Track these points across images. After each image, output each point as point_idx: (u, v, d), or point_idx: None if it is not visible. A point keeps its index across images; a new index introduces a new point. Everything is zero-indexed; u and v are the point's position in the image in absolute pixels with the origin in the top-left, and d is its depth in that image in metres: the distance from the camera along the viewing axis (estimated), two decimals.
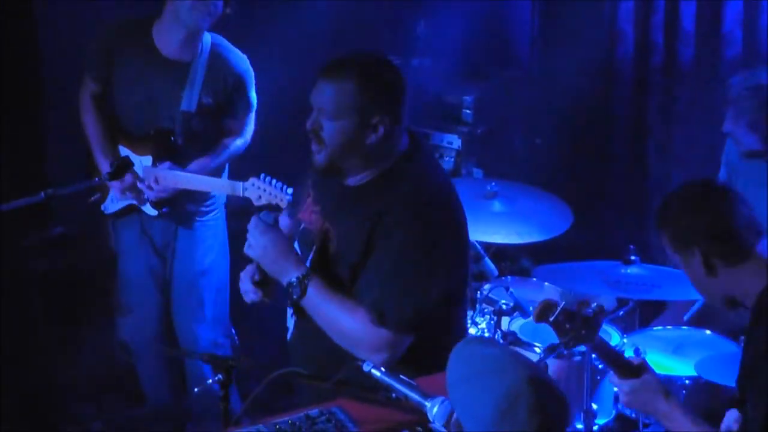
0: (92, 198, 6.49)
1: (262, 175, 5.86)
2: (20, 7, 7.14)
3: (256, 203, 5.90)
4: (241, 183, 5.94)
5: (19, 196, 5.43)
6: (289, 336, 5.22)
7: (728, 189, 4.66)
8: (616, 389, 4.71)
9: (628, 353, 6.11)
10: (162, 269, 6.72)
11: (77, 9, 7.21)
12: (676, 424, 4.50)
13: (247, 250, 4.90)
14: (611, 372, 4.65)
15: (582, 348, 4.75)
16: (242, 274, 5.00)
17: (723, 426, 4.62)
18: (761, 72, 6.32)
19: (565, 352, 5.87)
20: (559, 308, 4.50)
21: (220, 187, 6.33)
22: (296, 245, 5.13)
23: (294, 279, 4.83)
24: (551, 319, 4.50)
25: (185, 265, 6.68)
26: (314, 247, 4.99)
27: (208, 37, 6.47)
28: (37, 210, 5.57)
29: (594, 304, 4.52)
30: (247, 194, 5.93)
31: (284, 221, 5.15)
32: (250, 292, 4.96)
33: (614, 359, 4.65)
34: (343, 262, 4.87)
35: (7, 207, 5.37)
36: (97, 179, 6.26)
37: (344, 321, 4.82)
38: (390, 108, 4.80)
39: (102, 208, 6.57)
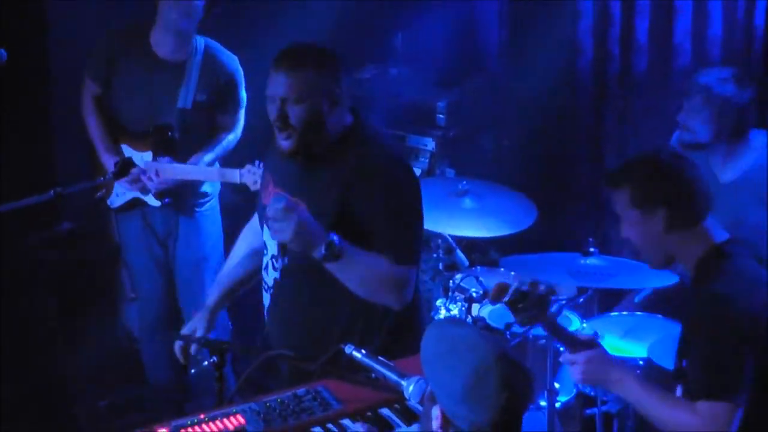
0: (98, 194, 6.50)
1: (257, 162, 5.91)
2: (30, 11, 7.10)
3: (252, 188, 5.95)
4: (237, 170, 5.97)
5: (29, 195, 5.43)
6: (266, 313, 5.29)
7: (688, 161, 4.73)
8: (570, 364, 4.68)
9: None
10: (165, 257, 6.74)
11: (86, 11, 7.15)
12: (627, 389, 4.55)
13: (276, 236, 4.88)
14: (564, 349, 4.69)
15: (539, 327, 4.75)
16: (277, 206, 4.89)
17: None
18: (725, 71, 6.36)
19: (521, 330, 5.93)
20: (511, 289, 4.53)
21: (217, 175, 6.35)
22: (260, 219, 5.22)
23: (327, 245, 4.82)
24: (505, 299, 4.53)
25: (187, 252, 6.71)
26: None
27: (201, 40, 6.50)
28: (46, 207, 5.57)
29: (543, 285, 4.54)
30: (244, 180, 5.98)
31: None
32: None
33: (566, 335, 4.71)
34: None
35: (18, 204, 5.38)
36: (102, 178, 6.29)
37: (373, 267, 4.89)
38: (338, 84, 4.92)
39: (108, 202, 6.59)
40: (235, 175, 6.09)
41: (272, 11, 7.60)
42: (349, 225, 4.90)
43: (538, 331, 5.96)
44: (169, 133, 6.44)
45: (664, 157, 4.69)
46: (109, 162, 6.42)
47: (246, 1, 7.47)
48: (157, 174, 6.36)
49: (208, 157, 6.51)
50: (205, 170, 6.37)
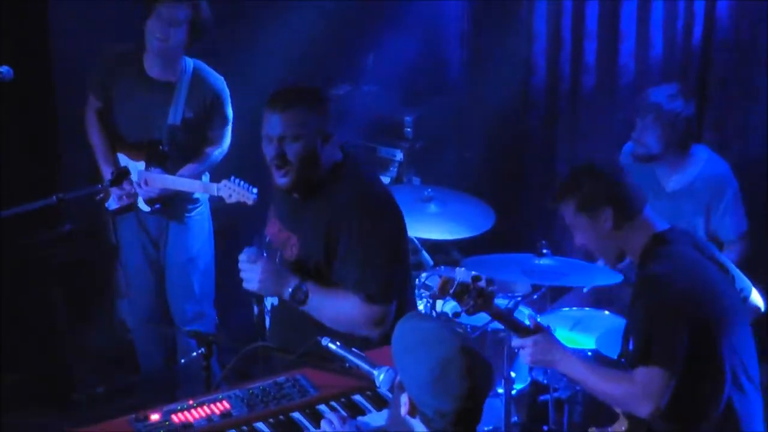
0: (98, 197, 6.50)
1: (232, 177, 5.94)
2: (34, 26, 7.05)
3: (227, 201, 5.95)
4: (215, 184, 5.97)
5: (35, 199, 5.43)
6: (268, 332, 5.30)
7: (617, 163, 4.82)
8: (518, 350, 4.79)
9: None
10: (156, 256, 6.73)
11: (88, 27, 7.11)
12: (572, 367, 4.62)
13: (247, 286, 4.93)
14: (513, 335, 4.77)
15: (487, 316, 4.79)
16: (242, 258, 4.98)
17: None
18: (671, 88, 6.40)
19: (481, 324, 5.95)
20: (455, 282, 4.60)
21: (198, 187, 6.34)
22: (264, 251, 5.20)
23: (293, 291, 4.86)
24: (451, 291, 4.60)
25: (176, 253, 6.68)
26: (279, 254, 5.05)
27: (190, 62, 6.50)
28: (49, 210, 5.57)
29: (485, 277, 4.60)
30: (220, 193, 5.99)
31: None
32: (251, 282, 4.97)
33: (513, 323, 4.78)
34: (310, 261, 4.92)
35: (25, 208, 5.38)
36: (99, 185, 6.30)
37: (342, 309, 4.87)
38: (328, 121, 4.88)
39: (106, 205, 6.58)
40: (212, 189, 6.09)
41: (254, 34, 7.57)
42: (333, 259, 4.90)
43: (496, 325, 6.00)
44: (160, 147, 6.43)
45: (594, 164, 4.83)
46: (106, 171, 6.46)
47: (229, 23, 7.43)
48: (146, 183, 6.37)
49: (196, 169, 6.50)
50: (188, 182, 6.36)
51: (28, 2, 7.07)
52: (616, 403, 4.65)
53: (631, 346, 4.57)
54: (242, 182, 5.91)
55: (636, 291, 4.63)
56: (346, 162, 4.98)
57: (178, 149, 6.51)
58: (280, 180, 4.87)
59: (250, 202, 5.84)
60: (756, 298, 5.03)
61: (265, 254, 5.04)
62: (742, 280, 4.88)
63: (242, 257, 4.95)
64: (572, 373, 4.65)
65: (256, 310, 5.27)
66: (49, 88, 7.10)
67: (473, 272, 4.64)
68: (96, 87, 6.59)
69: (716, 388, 4.52)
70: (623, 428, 4.80)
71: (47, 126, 7.20)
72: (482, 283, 4.62)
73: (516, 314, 5.08)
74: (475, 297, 4.62)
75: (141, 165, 6.45)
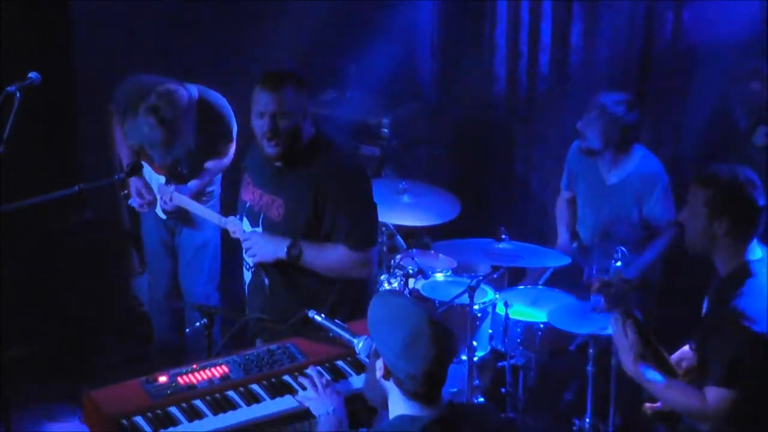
0: (123, 193, 6.48)
1: (239, 216, 5.89)
2: (59, 37, 7.01)
3: (232, 235, 5.91)
4: (224, 218, 5.92)
5: (60, 189, 5.43)
6: (247, 287, 5.37)
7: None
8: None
9: (500, 306, 6.19)
10: (172, 242, 6.71)
11: (108, 38, 7.08)
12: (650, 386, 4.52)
13: (254, 260, 5.11)
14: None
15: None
16: (246, 236, 5.16)
17: (675, 356, 4.71)
18: (620, 96, 6.40)
19: (434, 297, 5.93)
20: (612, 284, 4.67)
21: (210, 216, 6.21)
22: (245, 219, 5.23)
23: (287, 250, 4.99)
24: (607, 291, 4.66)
25: (188, 240, 6.66)
26: (262, 215, 5.15)
27: (194, 91, 6.36)
28: (73, 198, 5.57)
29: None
30: (226, 226, 5.94)
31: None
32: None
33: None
34: (297, 219, 5.01)
35: (51, 196, 5.36)
36: (116, 177, 6.26)
37: (332, 258, 4.98)
38: (307, 100, 5.03)
39: (129, 202, 6.56)
40: (222, 221, 6.01)
41: (246, 46, 7.55)
42: (321, 218, 5.00)
43: (461, 300, 6.01)
44: (179, 168, 6.42)
45: (754, 180, 4.48)
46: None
47: (222, 33, 7.42)
48: (171, 199, 6.33)
49: (197, 186, 6.46)
50: (204, 209, 6.23)
51: (51, 10, 7.01)
52: (681, 411, 4.50)
53: (707, 354, 4.43)
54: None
55: (721, 317, 4.39)
56: (320, 135, 5.09)
57: (193, 168, 6.48)
58: (270, 150, 4.98)
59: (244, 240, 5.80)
60: None
61: (246, 222, 5.22)
62: None
63: (244, 239, 5.15)
64: (632, 375, 4.53)
65: (248, 280, 5.32)
66: (71, 94, 7.06)
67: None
68: (119, 114, 6.46)
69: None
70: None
71: (69, 126, 7.17)
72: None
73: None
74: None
75: (161, 179, 6.44)
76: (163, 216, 6.54)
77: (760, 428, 4.45)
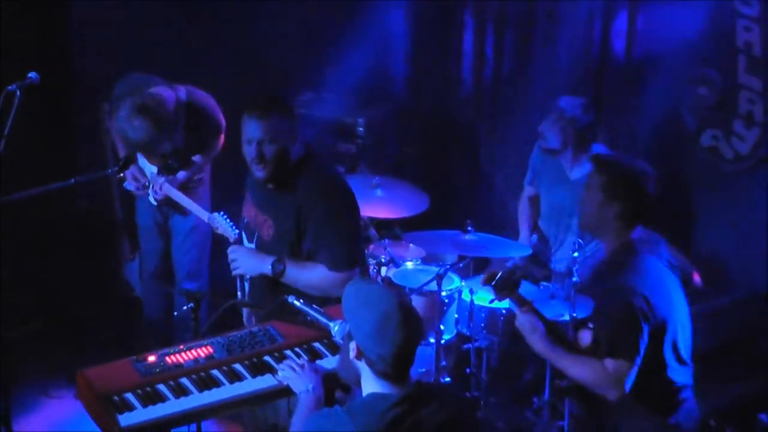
0: (119, 176, 6.45)
1: (222, 212, 5.89)
2: (58, 37, 6.97)
3: (214, 230, 5.93)
4: (208, 213, 5.91)
5: (57, 180, 5.42)
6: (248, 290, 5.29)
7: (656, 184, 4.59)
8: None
9: (465, 293, 6.21)
10: (164, 224, 6.70)
11: (104, 38, 7.05)
12: (537, 344, 4.58)
13: (236, 272, 5.05)
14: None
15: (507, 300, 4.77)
16: (229, 253, 5.10)
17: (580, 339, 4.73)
18: (578, 100, 6.43)
19: (403, 284, 5.95)
20: (498, 276, 4.60)
21: (196, 210, 6.24)
22: (244, 234, 5.21)
23: (272, 266, 4.92)
24: (492, 283, 4.60)
25: (180, 223, 6.64)
26: (256, 234, 5.09)
27: (183, 92, 6.37)
28: (68, 190, 5.55)
29: (519, 272, 4.65)
30: (210, 222, 5.94)
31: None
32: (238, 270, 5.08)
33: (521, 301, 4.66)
34: (283, 239, 4.95)
35: (49, 188, 5.35)
36: (109, 170, 6.24)
37: (313, 277, 4.90)
38: (295, 124, 4.93)
39: (124, 185, 6.54)
40: (205, 216, 6.05)
41: (231, 49, 7.54)
42: (304, 239, 4.94)
43: (430, 287, 6.04)
44: (169, 161, 6.38)
45: (648, 173, 4.55)
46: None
47: (208, 37, 7.41)
48: (160, 188, 6.34)
49: (185, 176, 6.46)
50: (191, 203, 6.26)
51: (51, 11, 6.96)
52: (586, 384, 4.49)
53: (593, 326, 4.51)
54: (228, 219, 5.87)
55: (607, 293, 4.49)
56: (309, 157, 5.00)
57: (183, 161, 6.47)
58: (258, 174, 4.91)
59: (231, 238, 5.73)
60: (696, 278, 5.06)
61: (244, 237, 5.13)
62: (687, 264, 4.83)
63: (230, 252, 5.06)
64: (541, 352, 4.59)
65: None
66: (70, 93, 7.03)
67: (510, 267, 4.63)
68: (112, 109, 6.45)
69: (659, 368, 4.50)
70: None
71: (67, 123, 7.14)
72: (516, 277, 4.62)
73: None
74: (509, 287, 4.63)
75: (154, 168, 6.43)
76: (154, 203, 6.54)
77: (655, 394, 4.53)
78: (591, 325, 4.71)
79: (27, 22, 6.75)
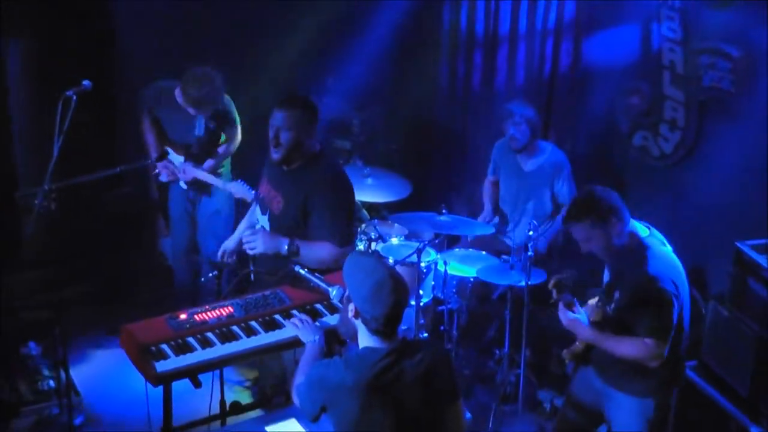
0: (155, 172, 6.43)
1: (240, 180, 5.89)
2: (105, 52, 6.89)
3: (234, 195, 5.91)
4: (229, 183, 5.92)
5: (104, 169, 5.41)
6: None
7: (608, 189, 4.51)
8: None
9: (440, 264, 6.18)
10: (192, 209, 6.66)
11: (144, 50, 6.99)
12: (587, 334, 4.47)
13: (253, 252, 4.90)
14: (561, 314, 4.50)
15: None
16: (245, 234, 4.99)
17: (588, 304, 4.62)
18: (527, 105, 6.47)
19: (392, 256, 5.92)
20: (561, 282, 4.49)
21: (215, 181, 6.27)
22: (258, 207, 5.17)
23: (287, 247, 4.84)
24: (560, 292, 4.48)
25: (205, 208, 6.60)
26: (268, 209, 5.03)
27: None
28: (115, 177, 5.54)
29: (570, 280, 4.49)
30: (231, 190, 5.94)
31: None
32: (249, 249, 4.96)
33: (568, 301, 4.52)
34: (290, 216, 4.91)
35: (99, 175, 5.35)
36: (149, 161, 6.24)
37: (321, 253, 4.84)
38: (313, 123, 4.88)
39: (159, 178, 6.53)
40: (227, 186, 6.12)
41: (250, 60, 7.48)
42: (307, 217, 4.90)
43: (413, 258, 6.01)
44: (192, 149, 6.39)
45: (594, 191, 4.45)
46: (154, 154, 6.41)
47: (229, 50, 7.33)
48: (184, 172, 6.34)
49: (211, 164, 6.43)
50: (212, 178, 6.33)
51: (98, 24, 6.89)
52: (631, 359, 4.37)
53: (633, 316, 4.36)
54: (245, 185, 5.93)
55: (637, 283, 4.34)
56: (321, 154, 4.99)
57: (204, 149, 6.45)
58: (274, 155, 4.90)
59: (249, 199, 5.80)
60: None
61: (258, 208, 5.05)
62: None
63: (245, 234, 4.96)
64: (591, 340, 4.48)
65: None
66: (112, 97, 6.96)
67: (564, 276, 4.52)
68: (147, 109, 6.49)
69: (680, 341, 4.45)
70: (581, 347, 4.69)
71: (111, 121, 7.09)
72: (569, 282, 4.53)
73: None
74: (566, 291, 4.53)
75: (181, 158, 6.40)
76: (184, 186, 6.49)
77: (682, 364, 4.53)
78: (596, 302, 4.59)
79: (79, 35, 6.68)
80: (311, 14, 7.53)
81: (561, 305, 4.46)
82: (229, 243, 5.47)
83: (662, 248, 4.44)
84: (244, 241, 4.98)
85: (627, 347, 4.35)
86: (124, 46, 7.03)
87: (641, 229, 4.47)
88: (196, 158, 6.42)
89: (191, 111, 6.24)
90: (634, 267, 4.35)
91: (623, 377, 4.49)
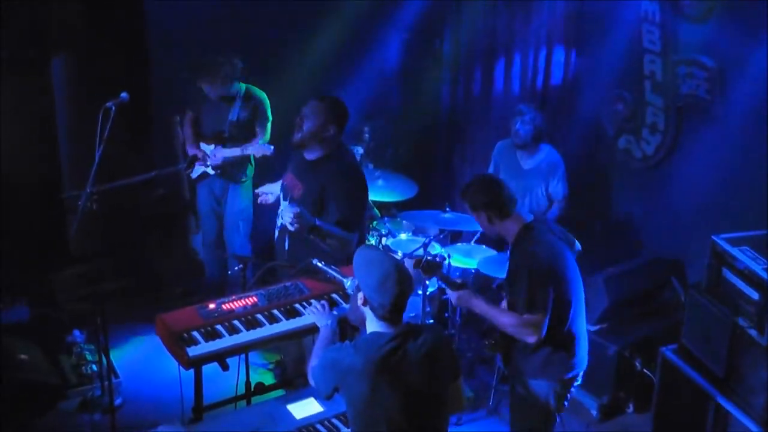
0: (185, 168, 6.43)
1: (267, 144, 6.12)
2: (140, 63, 6.86)
3: (256, 156, 6.26)
4: (249, 145, 6.23)
5: (140, 174, 5.41)
6: (276, 241, 5.21)
7: (496, 178, 4.68)
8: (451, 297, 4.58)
9: (437, 253, 6.19)
10: (219, 208, 6.67)
11: (176, 61, 6.98)
12: (480, 309, 4.45)
13: (293, 228, 4.83)
14: (447, 288, 4.56)
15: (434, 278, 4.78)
16: (286, 210, 4.91)
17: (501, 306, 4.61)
18: (532, 108, 6.41)
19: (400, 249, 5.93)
20: (423, 261, 4.61)
21: (243, 150, 6.35)
22: (281, 194, 5.15)
23: (313, 227, 4.82)
24: (420, 267, 4.58)
25: (231, 207, 6.61)
26: (290, 195, 5.05)
27: (243, 85, 6.43)
28: (150, 180, 5.54)
29: (438, 257, 4.70)
30: (252, 152, 6.33)
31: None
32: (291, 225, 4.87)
33: (449, 281, 4.58)
34: (308, 202, 4.90)
35: (135, 180, 5.35)
36: (179, 166, 6.28)
37: (338, 236, 4.86)
38: (338, 122, 4.90)
39: (190, 174, 6.56)
40: (248, 149, 6.29)
41: (282, 79, 7.48)
42: (325, 205, 4.91)
43: (420, 252, 6.01)
44: (224, 134, 6.42)
45: (479, 180, 4.57)
46: (191, 152, 6.46)
47: (258, 59, 7.34)
48: (215, 156, 6.37)
49: (244, 152, 6.40)
50: (236, 150, 6.36)
51: (133, 38, 6.89)
52: (511, 333, 4.39)
53: (514, 293, 4.37)
54: (266, 144, 6.11)
55: (517, 261, 4.39)
56: (341, 149, 5.02)
57: (236, 136, 6.44)
58: (295, 136, 4.93)
59: (269, 153, 6.03)
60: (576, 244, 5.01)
61: (281, 195, 5.12)
62: (569, 235, 4.78)
63: (289, 211, 4.83)
64: (482, 312, 4.48)
65: (276, 235, 5.24)
66: (148, 107, 6.96)
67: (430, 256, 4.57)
68: (191, 105, 6.53)
69: (563, 319, 4.41)
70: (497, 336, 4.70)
71: (147, 130, 7.09)
72: (437, 260, 4.65)
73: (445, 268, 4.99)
74: (434, 268, 4.61)
75: (212, 147, 6.43)
76: (212, 172, 6.49)
77: (563, 337, 4.43)
78: (504, 294, 4.61)
79: (114, 48, 6.66)
80: (322, 36, 7.55)
81: (439, 281, 4.49)
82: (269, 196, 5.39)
83: (545, 234, 4.44)
84: (288, 221, 4.83)
85: (507, 318, 4.36)
86: (157, 61, 7.04)
87: (528, 216, 4.50)
88: (226, 144, 6.42)
89: (221, 90, 6.28)
90: (517, 247, 4.41)
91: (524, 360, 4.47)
